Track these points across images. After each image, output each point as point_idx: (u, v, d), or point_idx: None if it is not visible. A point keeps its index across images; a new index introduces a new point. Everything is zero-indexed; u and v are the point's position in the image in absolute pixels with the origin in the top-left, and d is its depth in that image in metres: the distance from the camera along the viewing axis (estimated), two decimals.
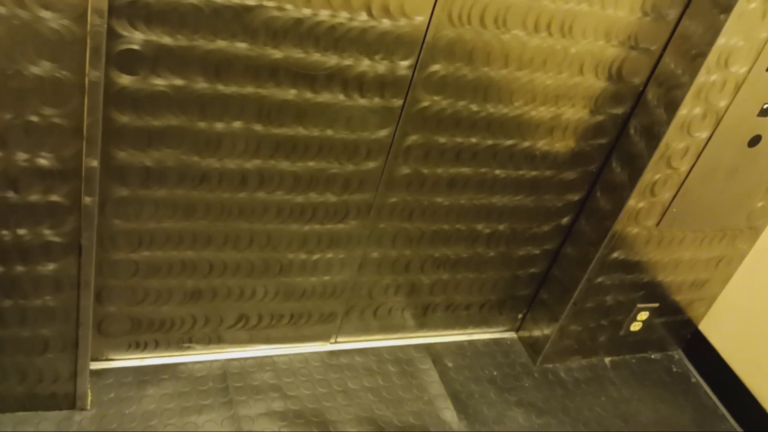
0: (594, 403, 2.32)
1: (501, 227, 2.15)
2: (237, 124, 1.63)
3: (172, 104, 1.54)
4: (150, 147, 1.59)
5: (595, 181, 2.12)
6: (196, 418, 1.89)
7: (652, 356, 2.59)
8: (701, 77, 1.81)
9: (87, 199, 1.48)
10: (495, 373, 2.30)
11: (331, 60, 1.60)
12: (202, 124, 1.60)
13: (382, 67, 1.65)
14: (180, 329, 1.98)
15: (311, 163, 1.77)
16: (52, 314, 1.64)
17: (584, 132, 1.99)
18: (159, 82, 1.50)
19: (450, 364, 2.28)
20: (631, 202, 2.00)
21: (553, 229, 2.22)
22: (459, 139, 1.89)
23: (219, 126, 1.62)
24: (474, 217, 2.09)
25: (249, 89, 1.58)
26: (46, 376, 1.74)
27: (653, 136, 1.92)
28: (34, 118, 1.34)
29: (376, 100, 1.71)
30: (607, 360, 2.49)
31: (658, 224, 2.10)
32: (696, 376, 2.56)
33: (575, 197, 2.16)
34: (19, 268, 1.54)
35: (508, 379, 2.30)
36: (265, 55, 1.54)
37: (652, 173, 1.96)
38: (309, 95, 1.64)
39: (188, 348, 2.03)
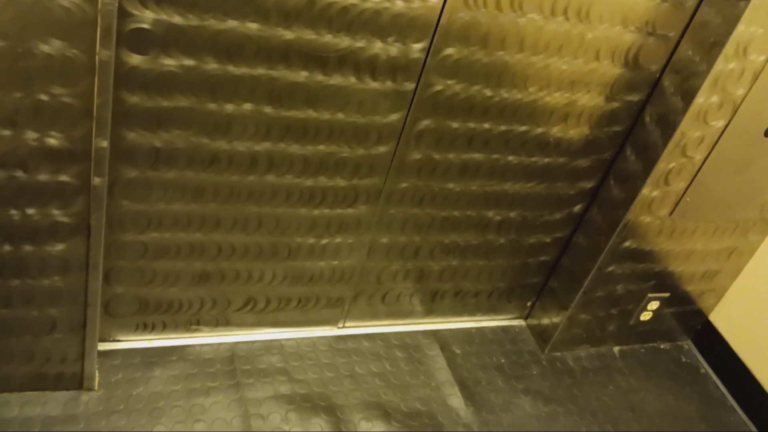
0: (602, 392, 2.31)
1: (512, 214, 2.13)
2: (247, 106, 1.61)
3: (182, 85, 1.53)
4: (159, 128, 1.58)
5: (608, 169, 2.10)
6: (203, 400, 1.89)
7: (662, 346, 2.57)
8: (719, 65, 1.78)
9: (96, 180, 1.47)
10: (503, 361, 2.30)
11: (343, 42, 1.58)
12: (212, 106, 1.59)
13: (394, 50, 1.63)
14: (188, 311, 1.98)
15: (321, 147, 1.76)
16: (60, 295, 1.63)
17: (599, 119, 1.97)
18: (169, 62, 1.48)
19: (458, 351, 2.28)
20: (645, 191, 1.98)
21: (565, 217, 2.20)
22: (472, 125, 1.87)
23: (229, 108, 1.60)
24: (485, 203, 2.07)
25: (260, 71, 1.56)
26: (53, 356, 1.74)
27: (669, 125, 1.89)
28: (44, 98, 1.33)
29: (388, 84, 1.69)
30: (615, 349, 2.48)
31: (671, 214, 2.08)
32: (705, 367, 2.54)
33: (588, 185, 2.14)
34: (28, 248, 1.53)
35: (515, 366, 2.29)
36: (276, 36, 1.52)
37: (666, 162, 1.94)
38: (320, 78, 1.62)
39: (196, 330, 2.03)
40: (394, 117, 1.77)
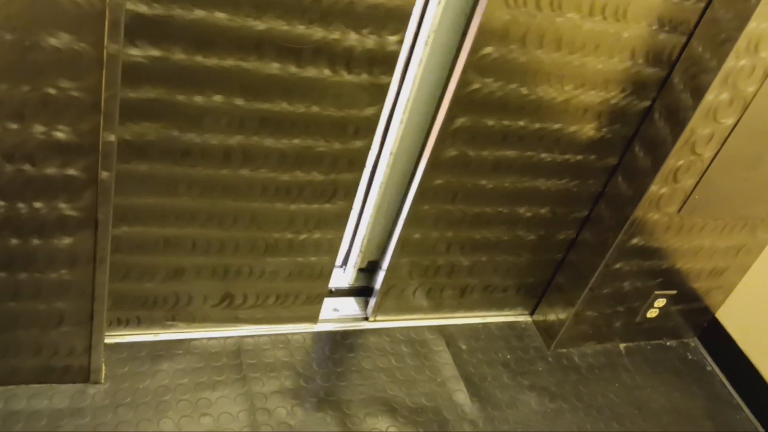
0: (607, 388, 2.30)
1: (543, 211, 2.15)
2: (218, 98, 1.58)
3: (149, 76, 1.49)
4: (128, 120, 1.54)
5: (616, 165, 2.09)
6: (209, 394, 1.89)
7: (668, 343, 2.56)
8: (730, 62, 1.77)
9: (104, 174, 1.47)
10: (508, 357, 2.29)
11: (317, 33, 1.54)
12: (181, 98, 1.55)
13: (370, 42, 1.60)
14: (163, 307, 1.95)
15: (296, 141, 1.72)
16: (67, 288, 1.63)
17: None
18: (135, 53, 1.45)
19: (463, 347, 2.27)
20: (653, 187, 1.97)
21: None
22: (506, 122, 1.87)
23: (199, 99, 1.57)
24: (516, 200, 2.09)
25: (230, 62, 1.53)
26: (60, 349, 1.74)
27: (678, 122, 1.88)
28: (52, 91, 1.33)
29: (364, 77, 1.66)
30: (622, 346, 2.48)
31: (679, 211, 2.07)
32: (711, 365, 2.54)
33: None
34: (36, 242, 1.53)
35: (521, 362, 2.29)
36: (246, 26, 1.48)
37: (675, 159, 1.93)
38: (293, 70, 1.59)
39: (171, 326, 1.99)
40: (371, 111, 1.73)
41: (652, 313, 2.39)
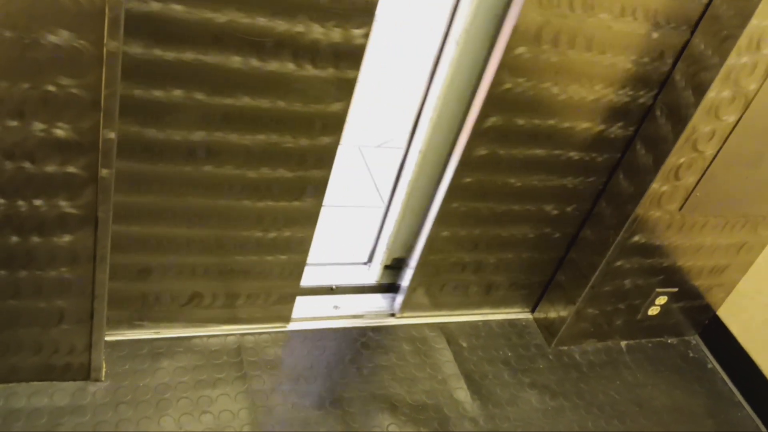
0: (608, 386, 2.30)
1: (569, 209, 2.18)
2: (178, 93, 1.54)
3: None
4: None
5: (616, 165, 2.09)
6: (210, 392, 1.89)
7: (669, 341, 2.56)
8: (731, 59, 1.76)
9: (104, 171, 1.46)
10: (509, 354, 2.29)
11: (280, 26, 1.50)
12: (138, 92, 1.51)
13: (336, 35, 1.56)
14: (130, 307, 1.91)
15: (261, 137, 1.68)
16: (67, 286, 1.63)
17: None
18: None
19: (464, 344, 2.27)
20: (655, 185, 1.96)
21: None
22: (537, 121, 1.88)
23: (158, 94, 1.53)
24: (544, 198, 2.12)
25: (189, 56, 1.49)
26: (61, 347, 1.74)
27: (680, 119, 1.88)
28: (52, 89, 1.32)
29: (330, 71, 1.62)
30: (623, 344, 2.47)
31: (680, 209, 2.07)
32: (713, 362, 2.53)
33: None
34: (36, 239, 1.53)
35: (522, 360, 2.29)
36: (205, 19, 1.44)
37: (677, 157, 1.92)
38: (256, 64, 1.55)
39: (139, 326, 1.96)
40: (338, 106, 1.69)
41: (653, 311, 2.39)
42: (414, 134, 2.03)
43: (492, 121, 1.84)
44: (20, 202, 1.46)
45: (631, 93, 1.92)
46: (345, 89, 1.66)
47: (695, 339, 2.60)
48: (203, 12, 1.44)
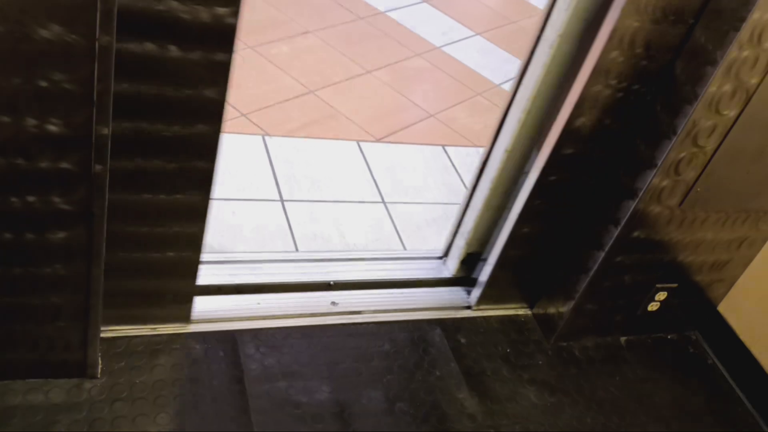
0: (608, 382, 2.29)
1: None
2: None
3: None
4: None
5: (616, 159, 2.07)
6: (206, 390, 1.88)
7: (669, 337, 2.55)
8: (732, 53, 1.74)
9: (98, 167, 1.45)
10: (508, 350, 2.28)
11: (138, 3, 1.37)
12: None
13: (201, 13, 1.42)
14: None
15: (127, 124, 1.53)
16: (62, 282, 1.62)
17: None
18: None
19: (463, 340, 2.26)
20: (655, 180, 1.94)
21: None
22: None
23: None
24: None
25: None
26: (56, 344, 1.73)
27: (680, 114, 1.86)
28: (44, 84, 1.31)
29: (198, 54, 1.48)
30: (622, 339, 2.46)
31: (680, 204, 2.05)
32: (713, 358, 2.52)
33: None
34: (29, 236, 1.51)
35: (521, 356, 2.28)
36: None
37: (677, 151, 1.90)
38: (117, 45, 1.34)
39: None
40: (212, 92, 1.55)
41: (653, 306, 2.38)
42: (499, 133, 2.12)
43: (581, 121, 1.92)
44: (13, 199, 1.45)
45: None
46: (217, 73, 1.52)
47: (695, 335, 2.59)
48: None
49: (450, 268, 2.43)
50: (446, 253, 2.45)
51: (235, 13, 1.45)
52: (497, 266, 2.26)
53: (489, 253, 2.31)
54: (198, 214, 1.78)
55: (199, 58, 1.49)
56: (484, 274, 2.32)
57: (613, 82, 1.86)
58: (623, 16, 1.72)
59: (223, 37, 1.47)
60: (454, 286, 2.42)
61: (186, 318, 2.02)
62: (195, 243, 1.83)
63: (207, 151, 1.66)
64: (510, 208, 2.19)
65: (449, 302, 2.37)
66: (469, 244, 2.34)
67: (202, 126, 1.60)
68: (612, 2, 1.75)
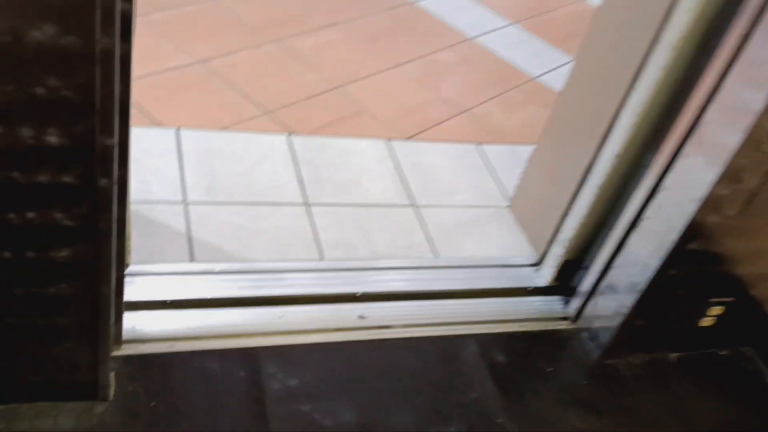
0: (656, 402, 2.13)
1: None
2: None
3: None
4: None
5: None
6: (224, 412, 1.75)
7: (722, 353, 2.37)
8: None
9: (103, 181, 1.32)
10: (549, 369, 2.12)
11: None
12: None
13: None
14: None
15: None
16: (68, 302, 1.50)
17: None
18: None
19: (500, 357, 2.11)
20: (714, 188, 1.78)
21: None
22: None
23: None
24: None
25: None
26: (65, 365, 1.62)
27: (742, 119, 1.69)
28: (40, 91, 1.17)
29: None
30: (672, 356, 2.29)
31: (740, 213, 1.88)
32: None
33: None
34: (30, 254, 1.39)
35: (562, 374, 2.12)
36: None
37: (738, 158, 1.73)
38: None
39: None
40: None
41: (706, 321, 2.21)
42: (607, 138, 2.02)
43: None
44: (11, 215, 1.32)
45: None
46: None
47: (750, 351, 2.41)
48: None
49: (545, 277, 2.32)
50: (541, 261, 2.35)
51: None
52: (602, 276, 2.14)
53: (593, 261, 2.19)
54: None
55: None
56: (588, 284, 2.20)
57: None
58: None
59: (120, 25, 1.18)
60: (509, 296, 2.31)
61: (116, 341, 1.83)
62: None
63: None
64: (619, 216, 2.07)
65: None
66: (568, 251, 2.24)
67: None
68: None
